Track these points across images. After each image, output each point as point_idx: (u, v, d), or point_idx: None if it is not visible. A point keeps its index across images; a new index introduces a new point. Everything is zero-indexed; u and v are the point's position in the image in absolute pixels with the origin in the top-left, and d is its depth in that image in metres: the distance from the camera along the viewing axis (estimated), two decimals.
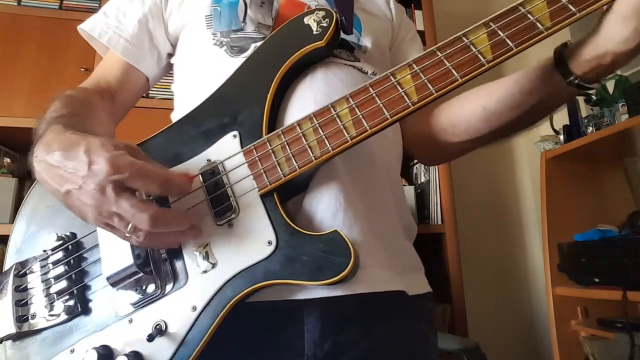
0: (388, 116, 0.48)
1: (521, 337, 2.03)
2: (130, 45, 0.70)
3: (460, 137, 0.65)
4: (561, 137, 1.71)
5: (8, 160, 1.61)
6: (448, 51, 0.48)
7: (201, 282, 0.49)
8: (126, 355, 0.48)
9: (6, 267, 0.59)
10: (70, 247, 0.56)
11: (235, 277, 0.49)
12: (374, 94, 0.50)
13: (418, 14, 1.95)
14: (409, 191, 1.79)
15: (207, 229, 0.51)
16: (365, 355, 0.53)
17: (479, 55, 0.46)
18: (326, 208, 0.53)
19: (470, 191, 2.09)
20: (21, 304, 0.55)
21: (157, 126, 0.60)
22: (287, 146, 0.51)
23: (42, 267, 0.56)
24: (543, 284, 1.80)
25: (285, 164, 0.50)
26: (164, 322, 0.49)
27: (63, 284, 0.54)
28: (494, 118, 0.59)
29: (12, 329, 0.54)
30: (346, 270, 0.45)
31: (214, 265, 0.50)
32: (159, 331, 0.48)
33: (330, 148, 0.49)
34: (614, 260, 1.35)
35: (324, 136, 0.50)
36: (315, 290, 0.50)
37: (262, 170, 0.51)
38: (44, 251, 0.57)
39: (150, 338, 0.48)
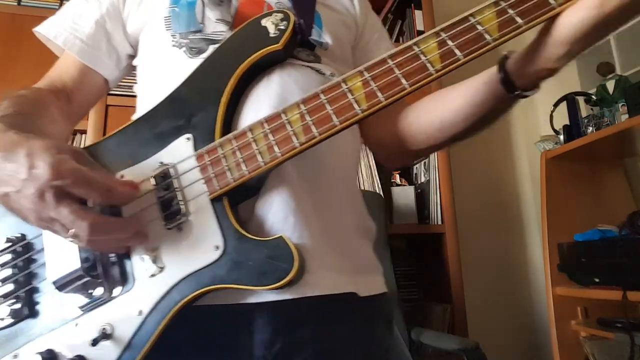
0: (337, 123, 0.49)
1: (521, 337, 2.03)
2: (87, 46, 0.69)
3: (418, 145, 0.68)
4: (561, 137, 1.71)
5: None
6: (399, 59, 0.48)
7: (148, 286, 0.49)
8: (70, 359, 0.48)
9: None
10: (19, 249, 0.55)
11: (182, 281, 0.49)
12: (324, 101, 0.50)
13: (418, 14, 1.95)
14: (409, 191, 1.79)
15: (157, 233, 0.51)
16: (316, 356, 0.54)
17: (428, 65, 0.47)
18: (276, 212, 0.53)
19: (470, 191, 2.09)
20: None
21: None
22: (238, 151, 0.51)
23: None
24: (543, 284, 1.80)
25: (235, 169, 0.50)
26: (110, 325, 0.49)
27: (9, 287, 0.53)
28: (449, 129, 0.62)
29: None
30: (289, 276, 0.46)
31: (161, 269, 0.50)
32: (105, 335, 0.48)
33: (279, 154, 0.50)
34: (614, 260, 1.35)
35: (273, 142, 0.50)
36: (265, 294, 0.50)
37: (212, 175, 0.51)
38: None
39: (95, 342, 0.47)
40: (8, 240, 0.55)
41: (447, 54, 0.47)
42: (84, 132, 1.56)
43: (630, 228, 1.34)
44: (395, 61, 0.49)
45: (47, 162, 0.42)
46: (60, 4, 1.63)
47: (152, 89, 0.66)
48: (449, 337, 1.41)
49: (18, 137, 0.46)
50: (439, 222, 1.74)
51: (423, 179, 1.84)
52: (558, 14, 0.44)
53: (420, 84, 0.48)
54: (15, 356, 0.51)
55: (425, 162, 1.84)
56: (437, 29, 0.48)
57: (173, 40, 0.64)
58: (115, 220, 0.49)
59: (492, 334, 1.93)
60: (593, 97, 1.69)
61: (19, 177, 0.43)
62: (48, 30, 0.71)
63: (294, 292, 0.50)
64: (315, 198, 0.57)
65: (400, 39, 2.01)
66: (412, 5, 1.97)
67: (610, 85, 1.62)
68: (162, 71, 0.65)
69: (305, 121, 0.50)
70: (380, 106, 0.48)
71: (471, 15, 0.47)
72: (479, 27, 0.46)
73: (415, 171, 1.94)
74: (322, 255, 0.54)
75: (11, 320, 0.53)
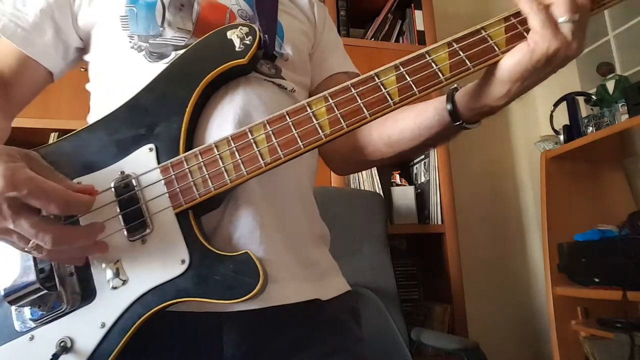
0: (301, 146, 0.51)
1: (521, 337, 2.03)
2: (30, 35, 0.63)
3: (367, 157, 0.71)
4: (561, 137, 1.71)
5: None
6: (361, 88, 0.52)
7: (111, 298, 0.49)
8: None
9: None
10: None
11: (147, 294, 0.48)
12: (290, 123, 0.52)
13: (418, 14, 1.95)
14: (409, 191, 1.79)
15: (118, 245, 0.50)
16: (285, 351, 0.56)
17: (387, 97, 0.51)
18: (243, 227, 0.55)
19: (470, 191, 2.09)
20: None
21: None
22: (203, 167, 0.51)
23: None
24: (543, 284, 1.80)
25: (202, 185, 0.51)
26: (70, 339, 0.48)
27: None
28: (397, 145, 0.66)
29: None
30: (254, 291, 0.47)
31: (124, 281, 0.49)
32: (64, 349, 0.47)
33: (245, 172, 0.51)
34: (614, 260, 1.36)
35: (239, 160, 0.51)
36: (234, 305, 0.51)
37: (178, 189, 0.51)
38: None
39: (55, 357, 0.46)
40: None
41: (405, 88, 0.51)
42: None
43: (630, 228, 1.34)
44: (357, 90, 0.52)
45: None
46: None
47: (108, 91, 0.64)
48: (449, 337, 1.41)
49: None
50: (439, 222, 1.74)
51: (423, 179, 1.84)
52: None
53: (380, 114, 0.51)
54: None
55: (425, 162, 1.84)
56: (397, 62, 0.52)
57: (131, 42, 0.62)
58: (78, 229, 0.48)
59: (492, 334, 1.93)
60: (593, 97, 1.69)
61: None
62: None
63: (260, 302, 0.52)
64: (276, 211, 0.58)
65: (400, 39, 2.01)
66: (412, 5, 1.97)
67: (610, 85, 1.62)
68: (119, 73, 0.63)
69: (271, 142, 0.51)
70: (342, 132, 0.51)
71: (427, 53, 0.51)
72: (433, 66, 0.51)
73: (415, 171, 1.94)
74: (286, 266, 0.57)
75: None
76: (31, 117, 1.52)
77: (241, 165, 0.51)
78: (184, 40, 0.62)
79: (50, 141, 1.69)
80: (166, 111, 0.54)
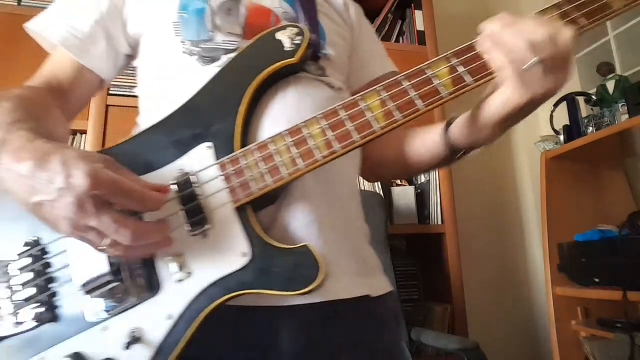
0: (358, 139, 0.52)
1: (521, 337, 2.03)
2: (85, 45, 0.67)
3: (388, 171, 0.81)
4: (561, 137, 1.71)
5: None
6: (413, 81, 0.54)
7: (176, 291, 0.51)
8: None
9: None
10: (36, 252, 0.54)
11: (210, 286, 0.50)
12: (344, 117, 0.53)
13: (418, 14, 1.95)
14: (409, 191, 1.79)
15: (182, 240, 0.52)
16: (336, 352, 0.58)
17: (441, 88, 0.53)
18: (300, 221, 0.56)
19: (470, 191, 2.09)
20: None
21: None
22: (261, 162, 0.53)
23: (4, 273, 0.55)
24: (543, 284, 1.80)
25: (259, 180, 0.52)
26: (139, 329, 0.50)
27: (31, 290, 0.53)
28: (412, 168, 0.73)
29: None
30: (315, 282, 0.48)
31: (189, 274, 0.51)
32: (135, 339, 0.49)
33: (301, 166, 0.52)
34: (614, 260, 1.36)
35: (296, 154, 0.53)
36: (290, 298, 0.53)
37: (236, 184, 0.53)
38: (9, 258, 0.55)
39: (127, 346, 0.48)
40: (26, 244, 0.55)
41: (457, 79, 0.52)
42: (84, 132, 1.56)
43: (630, 228, 1.34)
44: (410, 82, 0.54)
45: (83, 171, 0.42)
46: None
47: (162, 95, 0.66)
48: (449, 337, 1.41)
49: (49, 146, 0.45)
50: (439, 222, 1.74)
51: (423, 179, 1.84)
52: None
53: (434, 105, 0.53)
54: (42, 359, 0.51)
55: None
56: (448, 53, 0.53)
57: (183, 47, 0.64)
58: (152, 226, 0.50)
59: (492, 334, 1.93)
60: (593, 97, 1.69)
61: (54, 186, 0.42)
62: (43, 27, 0.69)
63: (316, 296, 0.53)
64: (331, 207, 0.60)
65: (400, 39, 2.01)
66: (412, 5, 1.97)
67: (610, 85, 1.62)
68: (173, 77, 0.65)
69: (326, 136, 0.53)
70: (396, 124, 0.52)
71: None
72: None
73: None
74: (340, 261, 0.58)
75: (34, 324, 0.52)
76: None
77: (298, 159, 0.52)
78: (235, 44, 0.64)
79: None
80: (221, 111, 0.57)
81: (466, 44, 0.53)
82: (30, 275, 0.54)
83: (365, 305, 0.61)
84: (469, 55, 0.53)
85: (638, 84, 1.44)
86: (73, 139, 1.57)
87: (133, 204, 0.45)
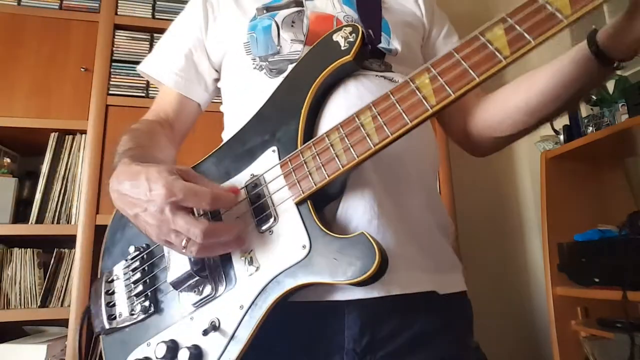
0: (408, 121, 0.50)
1: (521, 337, 2.03)
2: (181, 78, 0.79)
3: (506, 131, 0.67)
4: (561, 137, 1.71)
5: (8, 160, 1.62)
6: (465, 51, 0.48)
7: (247, 284, 0.55)
8: (188, 347, 0.56)
9: (99, 274, 0.72)
10: (144, 256, 0.65)
11: (276, 278, 0.54)
12: (394, 100, 0.51)
13: None
14: None
15: (251, 237, 0.56)
16: (400, 349, 0.58)
17: (497, 53, 0.46)
18: (361, 216, 0.56)
19: (470, 191, 2.09)
20: (110, 305, 0.67)
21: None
22: (317, 156, 0.54)
23: (124, 273, 0.67)
24: (543, 284, 1.80)
25: (316, 173, 0.54)
26: (218, 319, 0.56)
27: (140, 287, 0.64)
28: (538, 110, 0.61)
29: (105, 326, 0.66)
30: (371, 270, 0.47)
31: (257, 268, 0.55)
32: (214, 327, 0.55)
33: (355, 156, 0.52)
34: (614, 260, 1.35)
35: (349, 145, 0.52)
36: (353, 292, 0.54)
37: (296, 180, 0.55)
38: (126, 260, 0.67)
39: (205, 333, 0.55)
40: (136, 249, 0.66)
41: (514, 39, 0.45)
42: (84, 132, 1.56)
43: (630, 228, 1.34)
44: (461, 54, 0.48)
45: (161, 184, 0.50)
46: (60, 5, 1.64)
47: (237, 109, 0.73)
48: None
49: (138, 167, 0.53)
50: None
51: None
52: None
53: (489, 73, 0.46)
54: (148, 344, 0.61)
55: None
56: (503, 15, 0.46)
57: (254, 64, 0.70)
58: (222, 225, 0.56)
59: (492, 334, 1.93)
60: (593, 97, 1.69)
61: (143, 199, 0.51)
62: (150, 69, 0.83)
63: (380, 289, 0.55)
64: (395, 199, 0.59)
65: None
66: None
67: (610, 85, 1.62)
68: (245, 92, 0.71)
69: (377, 122, 0.51)
70: (449, 100, 0.48)
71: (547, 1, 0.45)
72: (549, 7, 0.44)
73: None
74: (405, 255, 0.58)
75: (143, 316, 0.63)
76: (31, 117, 1.53)
77: (351, 150, 0.52)
78: (299, 54, 0.68)
79: (50, 141, 1.69)
80: (285, 116, 0.60)
81: (525, 0, 0.45)
82: (139, 275, 0.65)
83: (432, 302, 0.60)
84: (531, 9, 0.45)
85: (638, 84, 1.44)
86: (73, 138, 1.58)
87: (204, 203, 0.51)
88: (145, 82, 1.61)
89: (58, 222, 1.50)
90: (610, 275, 1.37)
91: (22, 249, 1.48)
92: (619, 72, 1.71)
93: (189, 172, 0.54)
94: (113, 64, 1.62)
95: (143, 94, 1.60)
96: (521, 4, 0.46)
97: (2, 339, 1.39)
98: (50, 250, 1.50)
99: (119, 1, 1.70)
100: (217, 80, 0.82)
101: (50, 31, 1.60)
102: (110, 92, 1.57)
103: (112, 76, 1.60)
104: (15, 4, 1.62)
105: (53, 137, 1.55)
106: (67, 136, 1.58)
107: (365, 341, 0.57)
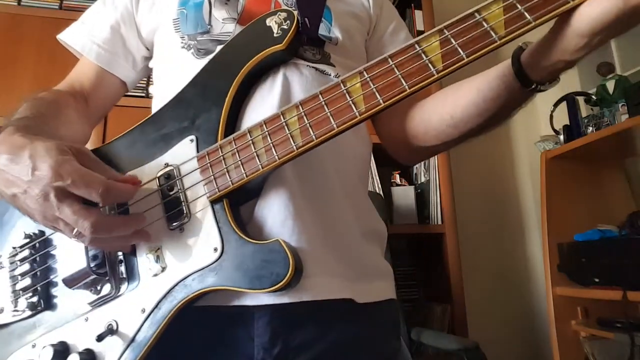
0: (334, 126, 0.47)
1: (521, 337, 2.03)
2: (103, 50, 0.71)
3: (431, 142, 0.65)
4: (561, 137, 1.71)
5: None
6: (400, 59, 0.46)
7: (151, 285, 0.51)
8: (79, 353, 0.50)
9: None
10: (37, 244, 0.57)
11: (183, 281, 0.49)
12: (323, 102, 0.48)
13: (418, 14, 1.95)
14: (409, 191, 1.79)
15: (159, 233, 0.51)
16: (316, 357, 0.53)
17: (429, 65, 0.45)
18: (275, 216, 0.52)
19: (470, 191, 2.09)
20: None
21: None
22: (237, 153, 0.50)
23: (10, 263, 0.58)
24: (543, 284, 1.80)
25: (234, 171, 0.50)
26: (116, 322, 0.50)
27: (27, 281, 0.56)
28: (462, 124, 0.59)
29: None
30: (284, 281, 0.45)
31: (163, 269, 0.51)
32: (110, 331, 0.50)
33: (276, 157, 0.49)
34: (614, 260, 1.36)
35: (271, 144, 0.49)
36: (262, 297, 0.50)
37: (212, 177, 0.51)
38: (13, 248, 0.58)
39: (100, 338, 0.49)
40: (26, 236, 0.57)
41: (449, 54, 0.44)
42: None
43: (630, 228, 1.34)
44: (395, 61, 0.47)
45: (48, 164, 0.43)
46: (60, 5, 1.63)
47: (163, 91, 0.66)
48: (449, 337, 1.41)
49: (23, 140, 0.46)
50: (439, 222, 1.73)
51: (423, 179, 1.84)
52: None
53: (420, 85, 0.45)
54: (33, 346, 0.54)
55: (425, 162, 1.84)
56: (441, 26, 0.45)
57: (182, 42, 0.64)
58: (117, 219, 0.50)
59: (492, 334, 1.93)
60: (593, 97, 1.69)
61: (23, 179, 0.44)
62: (68, 37, 0.74)
63: (291, 296, 0.50)
64: (315, 202, 0.56)
65: None
66: (412, 5, 1.97)
67: (610, 85, 1.62)
68: (171, 73, 0.65)
69: (303, 123, 0.48)
70: (378, 109, 0.46)
71: (477, 11, 0.44)
72: (485, 25, 0.43)
73: (415, 171, 1.93)
74: (320, 260, 0.54)
75: (29, 313, 0.55)
76: None
77: (273, 150, 0.49)
78: (231, 35, 0.63)
79: None
80: (207, 103, 0.55)
81: (462, 14, 0.45)
82: (28, 266, 0.56)
83: (349, 311, 0.56)
84: (466, 24, 0.44)
85: (638, 84, 1.44)
86: None
87: (95, 194, 0.44)
88: (145, 82, 1.61)
89: None
90: (610, 275, 1.38)
91: None
92: (619, 72, 1.72)
93: (86, 153, 0.48)
94: None
95: (143, 94, 1.59)
96: (460, 17, 0.45)
97: None
98: None
99: None
100: (148, 58, 0.74)
101: (50, 31, 1.59)
102: None
103: None
104: (15, 4, 1.62)
105: None
106: None
107: (277, 351, 0.51)
